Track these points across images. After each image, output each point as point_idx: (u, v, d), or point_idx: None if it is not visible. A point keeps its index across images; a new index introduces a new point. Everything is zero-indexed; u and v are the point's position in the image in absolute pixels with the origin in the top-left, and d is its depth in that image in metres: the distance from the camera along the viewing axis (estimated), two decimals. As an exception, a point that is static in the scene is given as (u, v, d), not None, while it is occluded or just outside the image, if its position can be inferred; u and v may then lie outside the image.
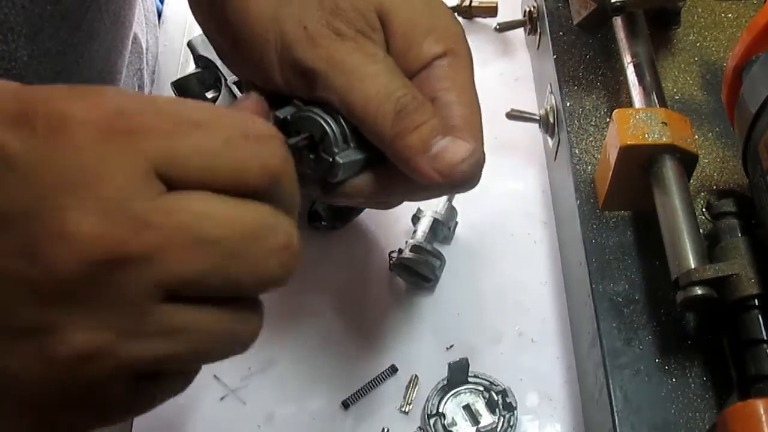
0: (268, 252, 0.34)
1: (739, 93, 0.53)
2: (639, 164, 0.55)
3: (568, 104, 0.64)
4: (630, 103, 0.60)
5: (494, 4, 0.80)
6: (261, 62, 0.46)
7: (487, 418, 0.57)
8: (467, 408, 0.57)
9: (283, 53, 0.45)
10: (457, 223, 0.66)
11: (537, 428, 0.58)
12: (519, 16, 0.75)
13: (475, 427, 0.57)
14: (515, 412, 0.57)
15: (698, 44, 0.67)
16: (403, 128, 0.43)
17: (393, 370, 0.60)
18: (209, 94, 0.70)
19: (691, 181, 0.57)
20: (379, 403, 0.59)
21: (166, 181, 0.32)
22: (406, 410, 0.59)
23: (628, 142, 0.54)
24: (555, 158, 0.66)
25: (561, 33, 0.68)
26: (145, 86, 0.75)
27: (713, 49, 0.67)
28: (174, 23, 0.83)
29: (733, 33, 0.68)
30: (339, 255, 0.66)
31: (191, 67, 0.74)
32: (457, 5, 0.81)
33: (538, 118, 0.67)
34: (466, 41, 0.50)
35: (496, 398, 0.57)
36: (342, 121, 0.44)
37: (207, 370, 0.53)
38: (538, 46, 0.73)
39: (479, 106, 0.49)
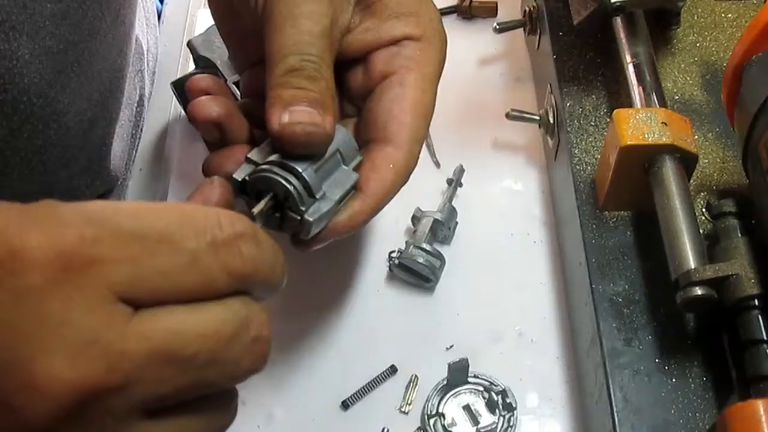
0: (241, 351, 0.34)
1: (739, 93, 0.53)
2: (639, 164, 0.55)
3: (568, 104, 0.64)
4: (630, 103, 0.60)
5: (494, 4, 0.80)
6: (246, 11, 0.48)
7: (486, 419, 0.57)
8: (467, 408, 0.57)
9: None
10: (457, 223, 0.66)
11: (537, 428, 0.58)
12: (519, 16, 0.75)
13: (475, 428, 0.57)
14: (515, 412, 0.57)
15: (698, 44, 0.67)
16: (286, 82, 0.44)
17: (393, 370, 0.60)
18: (209, 95, 0.70)
19: (691, 181, 0.57)
20: (379, 404, 0.59)
21: (132, 302, 0.32)
22: (406, 410, 0.59)
23: (628, 142, 0.54)
24: (555, 158, 0.66)
25: (561, 33, 0.68)
26: (146, 87, 0.75)
27: (713, 49, 0.67)
28: (174, 23, 0.83)
29: (733, 33, 0.68)
30: (339, 255, 0.66)
31: (191, 67, 0.74)
32: (457, 5, 0.81)
33: (538, 118, 0.67)
34: (445, 40, 0.51)
35: (495, 398, 0.57)
36: (302, 172, 0.43)
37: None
38: (538, 46, 0.73)
39: (433, 99, 0.50)
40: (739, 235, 0.52)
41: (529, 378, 0.60)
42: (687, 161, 0.55)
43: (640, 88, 0.60)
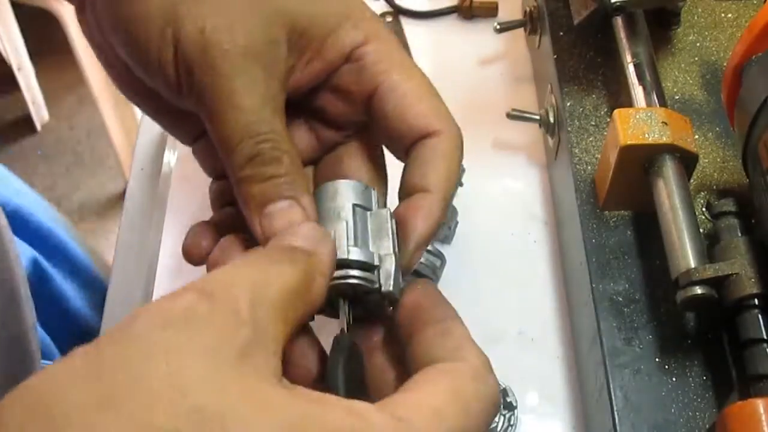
0: None
1: (739, 93, 0.53)
2: (639, 164, 0.55)
3: (568, 104, 0.64)
4: (630, 103, 0.60)
5: (494, 4, 0.81)
6: (152, 58, 0.41)
7: None
8: None
9: (177, 52, 0.41)
10: (457, 223, 0.66)
11: (537, 427, 0.58)
12: (519, 16, 0.75)
13: None
14: (515, 411, 0.57)
15: (698, 44, 0.67)
16: (250, 175, 0.40)
17: (393, 369, 0.60)
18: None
19: (691, 181, 0.57)
20: (380, 403, 0.59)
21: None
22: (407, 410, 0.59)
23: (628, 142, 0.54)
24: (555, 158, 0.67)
25: (561, 33, 0.68)
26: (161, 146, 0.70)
27: (713, 49, 0.67)
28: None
29: (733, 33, 0.68)
30: (339, 255, 0.66)
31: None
32: (458, 5, 0.81)
33: (538, 118, 0.67)
34: (379, 19, 0.46)
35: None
36: (349, 256, 0.39)
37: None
38: (538, 46, 0.73)
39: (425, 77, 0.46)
40: (739, 234, 0.52)
41: (529, 377, 0.60)
42: (687, 161, 0.55)
43: (640, 87, 0.60)
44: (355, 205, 0.41)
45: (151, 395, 0.26)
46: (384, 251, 0.40)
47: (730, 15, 0.69)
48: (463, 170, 0.68)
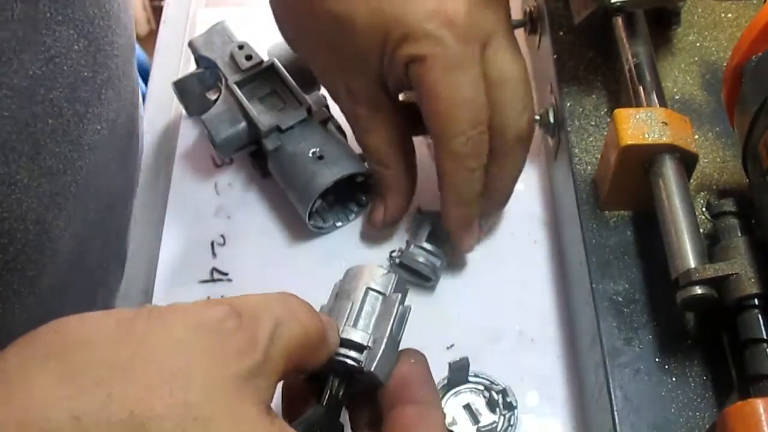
0: None
1: (739, 93, 0.53)
2: (639, 164, 0.55)
3: (568, 104, 0.64)
4: (630, 103, 0.60)
5: (494, 4, 0.80)
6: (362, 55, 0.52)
7: (487, 418, 0.57)
8: (467, 407, 0.57)
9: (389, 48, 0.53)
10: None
11: (537, 427, 0.58)
12: (519, 16, 0.75)
13: (475, 427, 0.57)
14: (515, 411, 0.57)
15: (698, 44, 0.67)
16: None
17: (393, 369, 0.60)
18: (210, 95, 0.70)
19: (691, 181, 0.57)
20: (380, 403, 0.59)
21: None
22: (407, 410, 0.59)
23: (628, 142, 0.54)
24: (555, 158, 0.67)
25: (561, 33, 0.68)
26: (138, 173, 0.71)
27: (713, 49, 0.67)
28: (174, 23, 0.83)
29: (733, 33, 0.68)
30: (339, 255, 0.66)
31: (192, 67, 0.74)
32: (458, 5, 0.81)
33: (538, 117, 0.67)
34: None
35: (496, 397, 0.57)
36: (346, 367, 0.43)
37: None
38: (538, 46, 0.73)
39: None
40: (739, 234, 0.52)
41: (529, 377, 0.60)
42: (687, 161, 0.55)
43: (640, 87, 0.60)
44: (369, 289, 0.45)
45: (160, 378, 0.30)
46: (379, 334, 0.43)
47: (730, 15, 0.69)
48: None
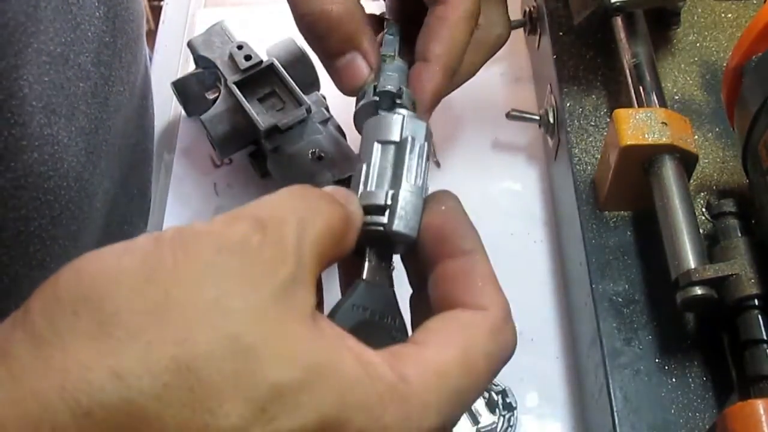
0: None
1: (739, 93, 0.53)
2: (639, 164, 0.55)
3: (568, 104, 0.64)
4: (630, 103, 0.60)
5: (494, 4, 0.80)
6: None
7: (486, 418, 0.57)
8: None
9: None
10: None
11: (537, 428, 0.58)
12: (519, 16, 0.75)
13: (475, 427, 0.57)
14: (515, 411, 0.57)
15: (698, 44, 0.67)
16: (315, 33, 0.45)
17: (393, 370, 0.60)
18: (209, 95, 0.70)
19: (691, 181, 0.57)
20: (379, 403, 0.59)
21: None
22: (406, 410, 0.59)
23: (628, 142, 0.54)
24: (555, 158, 0.66)
25: (561, 33, 0.68)
26: (163, 146, 0.74)
27: (713, 49, 0.67)
28: (174, 23, 0.83)
29: (733, 33, 0.68)
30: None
31: (191, 67, 0.74)
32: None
33: (538, 118, 0.67)
34: None
35: (495, 398, 0.57)
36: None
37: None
38: (538, 46, 0.73)
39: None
40: (739, 235, 0.52)
41: (529, 377, 0.60)
42: (687, 161, 0.55)
43: (640, 87, 0.60)
44: (378, 142, 0.40)
45: (197, 314, 0.28)
46: (398, 187, 0.39)
47: (730, 15, 0.69)
48: (438, 164, 0.67)
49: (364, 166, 0.40)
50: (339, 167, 0.63)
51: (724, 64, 0.61)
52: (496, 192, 0.70)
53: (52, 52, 0.47)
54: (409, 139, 0.40)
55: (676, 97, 0.64)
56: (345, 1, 0.45)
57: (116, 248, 0.30)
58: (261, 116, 0.64)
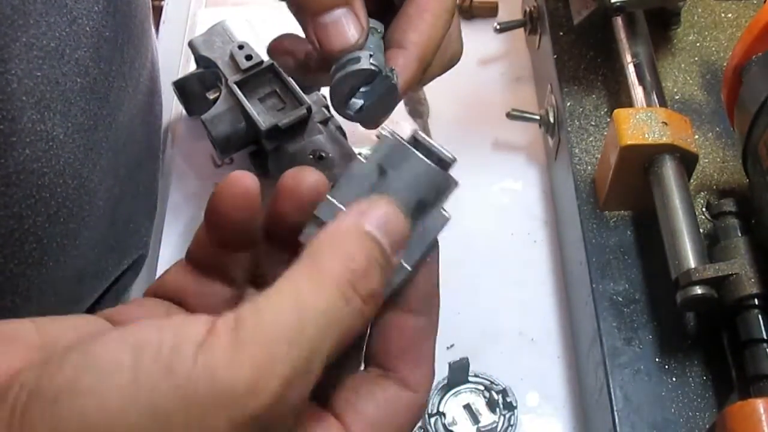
0: None
1: (739, 93, 0.53)
2: (639, 164, 0.55)
3: (568, 104, 0.64)
4: (630, 103, 0.60)
5: (494, 4, 0.81)
6: None
7: (487, 418, 0.57)
8: (467, 407, 0.57)
9: None
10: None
11: (537, 427, 0.58)
12: (519, 16, 0.75)
13: (475, 427, 0.57)
14: (515, 411, 0.57)
15: (698, 44, 0.68)
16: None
17: (393, 369, 0.60)
18: (210, 95, 0.70)
19: (691, 181, 0.57)
20: (380, 403, 0.59)
21: None
22: (407, 410, 0.59)
23: (628, 142, 0.54)
24: (555, 158, 0.67)
25: (561, 33, 0.68)
26: (163, 146, 0.73)
27: (713, 49, 0.67)
28: (174, 23, 0.83)
29: (733, 33, 0.68)
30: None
31: (192, 67, 0.74)
32: (458, 5, 0.81)
33: (538, 118, 0.67)
34: None
35: (496, 398, 0.57)
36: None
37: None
38: (538, 46, 0.73)
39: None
40: (739, 234, 0.52)
41: (529, 377, 0.60)
42: (687, 161, 0.55)
43: (640, 87, 0.60)
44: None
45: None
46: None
47: (730, 15, 0.69)
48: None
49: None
50: (339, 167, 0.63)
51: (724, 64, 0.62)
52: (496, 192, 0.70)
53: (45, 47, 0.46)
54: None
55: (676, 97, 0.64)
56: None
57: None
58: (262, 116, 0.64)
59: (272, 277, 0.28)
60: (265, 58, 0.68)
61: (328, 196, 0.32)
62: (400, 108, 0.75)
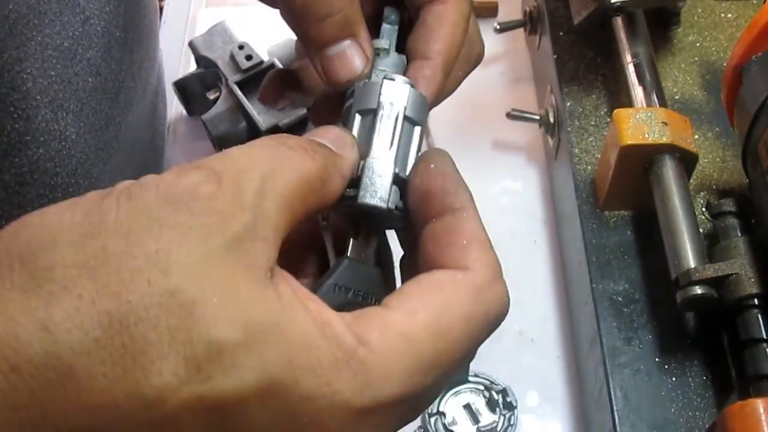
0: None
1: (739, 93, 0.53)
2: (639, 164, 0.55)
3: (568, 104, 0.64)
4: (630, 103, 0.60)
5: (494, 4, 0.81)
6: None
7: (487, 417, 0.57)
8: (468, 407, 0.58)
9: None
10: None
11: (537, 427, 0.58)
12: (519, 16, 0.75)
13: (475, 426, 0.57)
14: (515, 411, 0.57)
15: (698, 44, 0.68)
16: (309, 15, 0.39)
17: (393, 369, 0.60)
18: (210, 95, 0.70)
19: (691, 181, 0.57)
20: (380, 403, 0.59)
21: None
22: (407, 409, 0.59)
23: (628, 142, 0.54)
24: (555, 158, 0.67)
25: (561, 33, 0.68)
26: (166, 147, 0.74)
27: (713, 49, 0.67)
28: (175, 23, 0.83)
29: (733, 33, 0.68)
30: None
31: (192, 67, 0.74)
32: (458, 5, 0.81)
33: (538, 118, 0.67)
34: None
35: (496, 397, 0.57)
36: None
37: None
38: (538, 46, 0.73)
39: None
40: (739, 234, 0.52)
41: (529, 377, 0.60)
42: (687, 161, 0.55)
43: (640, 87, 0.60)
44: (357, 112, 0.38)
45: (133, 269, 0.26)
46: (366, 156, 0.36)
47: (730, 15, 0.69)
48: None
49: None
50: None
51: (724, 64, 0.62)
52: (496, 192, 0.70)
53: (59, 46, 0.47)
54: (384, 103, 0.37)
55: (676, 97, 0.64)
56: None
57: (62, 204, 0.29)
58: (262, 116, 0.65)
59: None
60: (266, 58, 0.68)
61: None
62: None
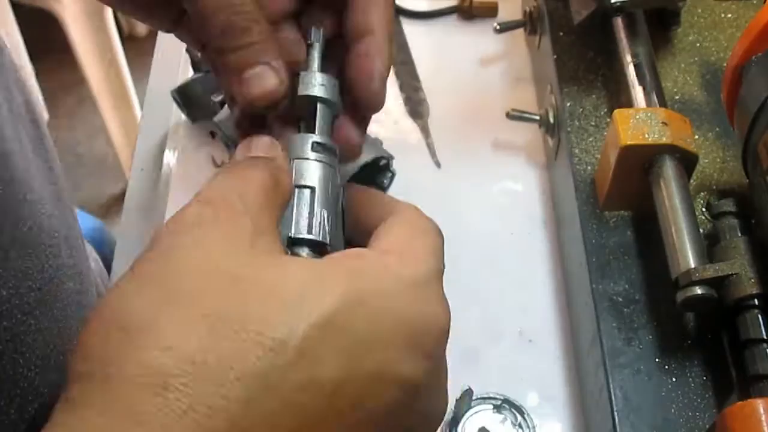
0: None
1: (739, 93, 0.53)
2: (639, 164, 0.55)
3: (568, 104, 0.64)
4: (630, 103, 0.60)
5: (494, 4, 0.81)
6: None
7: None
8: (482, 431, 0.57)
9: None
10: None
11: (537, 428, 0.58)
12: (519, 16, 0.75)
13: None
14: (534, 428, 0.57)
15: (698, 44, 0.68)
16: (225, 46, 0.42)
17: (393, 370, 0.60)
18: (215, 97, 0.70)
19: (691, 181, 0.57)
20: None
21: None
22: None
23: (628, 142, 0.54)
24: (555, 158, 0.67)
25: (561, 33, 0.68)
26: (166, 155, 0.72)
27: (713, 49, 0.67)
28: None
29: (733, 33, 0.68)
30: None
31: (190, 73, 0.74)
32: (458, 5, 0.81)
33: (538, 118, 0.67)
34: None
35: (513, 416, 0.57)
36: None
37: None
38: (538, 46, 0.73)
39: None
40: (739, 234, 0.52)
41: (529, 377, 0.60)
42: (687, 161, 0.55)
43: (640, 87, 0.60)
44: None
45: (196, 282, 0.32)
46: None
47: (730, 15, 0.69)
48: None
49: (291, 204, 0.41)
50: (365, 152, 0.63)
51: (724, 64, 0.62)
52: (496, 192, 0.70)
53: None
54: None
55: (676, 97, 0.64)
56: (252, 8, 0.42)
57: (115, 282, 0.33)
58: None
59: None
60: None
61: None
62: (401, 108, 0.75)
